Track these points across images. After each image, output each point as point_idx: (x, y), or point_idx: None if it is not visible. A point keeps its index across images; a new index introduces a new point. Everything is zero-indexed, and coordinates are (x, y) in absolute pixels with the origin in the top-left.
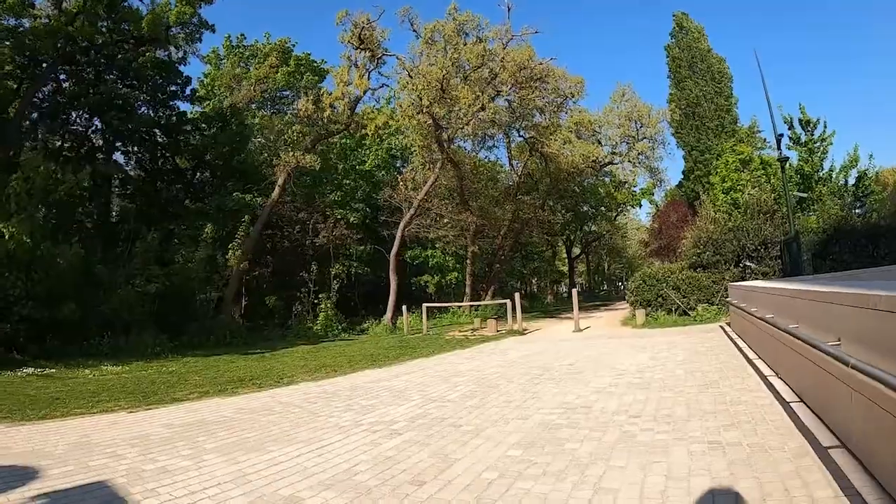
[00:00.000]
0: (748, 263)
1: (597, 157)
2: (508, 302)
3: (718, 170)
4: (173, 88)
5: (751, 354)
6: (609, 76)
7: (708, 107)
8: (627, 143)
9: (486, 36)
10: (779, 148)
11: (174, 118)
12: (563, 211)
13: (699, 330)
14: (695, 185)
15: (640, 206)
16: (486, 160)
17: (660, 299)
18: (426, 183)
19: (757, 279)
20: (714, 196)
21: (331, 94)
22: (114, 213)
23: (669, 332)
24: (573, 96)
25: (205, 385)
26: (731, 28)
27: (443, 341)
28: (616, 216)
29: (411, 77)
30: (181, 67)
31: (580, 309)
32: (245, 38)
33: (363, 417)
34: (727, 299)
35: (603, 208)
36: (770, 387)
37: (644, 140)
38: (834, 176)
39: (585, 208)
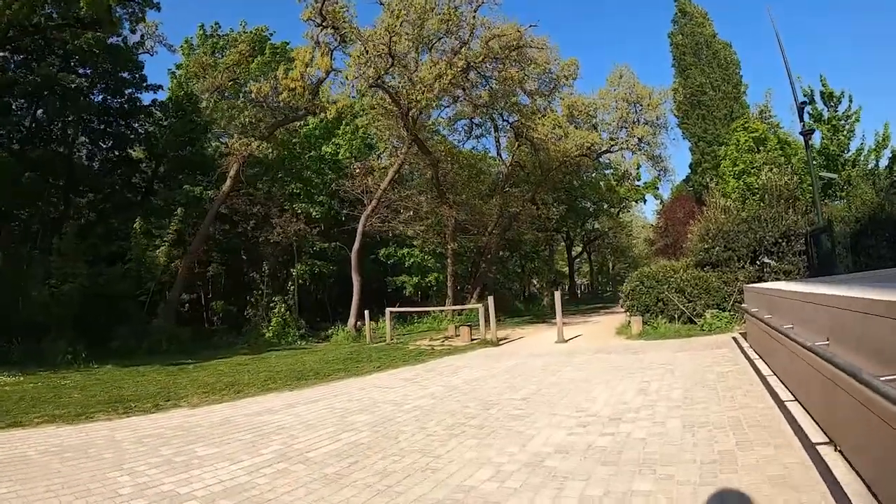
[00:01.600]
0: (767, 260)
1: (592, 144)
2: (480, 307)
3: (728, 152)
4: (125, 76)
5: (783, 393)
6: (607, 65)
7: (715, 95)
8: (626, 128)
9: (457, 5)
10: (801, 118)
11: (125, 106)
12: (557, 205)
13: (706, 344)
14: (702, 179)
15: (645, 201)
16: (474, 151)
17: (660, 304)
18: (394, 170)
19: (777, 279)
20: (724, 182)
21: (288, 75)
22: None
23: (669, 346)
24: (566, 79)
25: (66, 406)
26: (736, 11)
27: (401, 353)
28: (618, 212)
29: (366, 49)
30: (151, 58)
31: (574, 314)
32: (220, 27)
33: (149, 488)
34: (742, 305)
35: (605, 204)
36: (832, 481)
37: (644, 124)
38: (863, 157)
39: (586, 204)
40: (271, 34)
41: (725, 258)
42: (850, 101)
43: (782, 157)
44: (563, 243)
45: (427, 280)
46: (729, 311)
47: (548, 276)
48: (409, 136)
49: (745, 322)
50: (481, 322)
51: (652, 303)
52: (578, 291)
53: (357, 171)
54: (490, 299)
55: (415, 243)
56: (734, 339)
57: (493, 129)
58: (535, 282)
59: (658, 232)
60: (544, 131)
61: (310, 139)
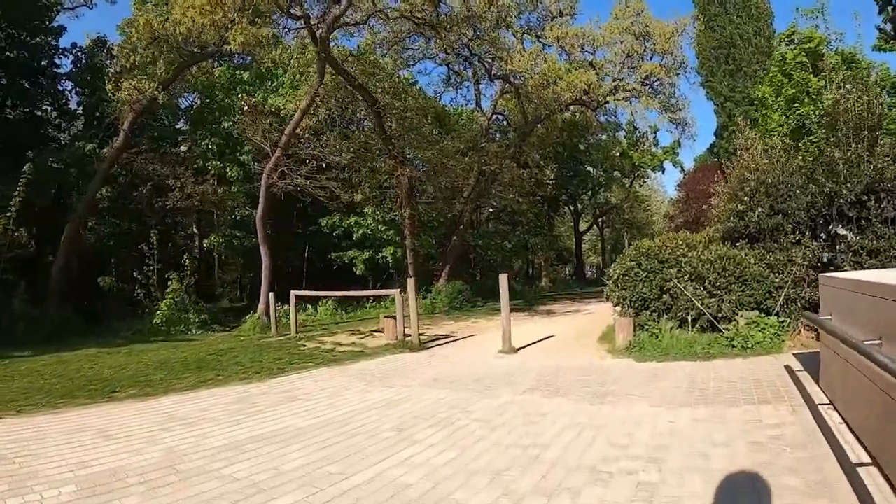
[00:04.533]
0: (842, 231)
1: (589, 87)
2: (397, 293)
3: (771, 74)
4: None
5: None
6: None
7: (745, 48)
8: (632, 66)
9: None
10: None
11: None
12: (555, 167)
13: (739, 384)
14: (730, 144)
15: (663, 170)
16: (455, 105)
17: (666, 298)
18: (303, 110)
19: (858, 263)
20: (764, 118)
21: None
22: None
23: (669, 383)
24: (562, 15)
25: None
26: None
27: (277, 356)
28: (632, 182)
29: None
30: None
31: (569, 300)
32: None
33: None
34: (807, 314)
35: (617, 172)
36: None
37: (654, 59)
38: None
39: (594, 171)
40: None
41: (772, 227)
42: None
43: (849, 83)
44: (570, 216)
45: (382, 255)
46: (777, 314)
47: (547, 254)
48: (319, 57)
49: (822, 349)
50: (398, 314)
51: (653, 296)
52: (588, 271)
53: (246, 109)
54: (410, 283)
55: (365, 210)
56: (790, 372)
57: (472, 76)
58: (539, 261)
59: (678, 206)
60: (523, 65)
61: (234, 84)
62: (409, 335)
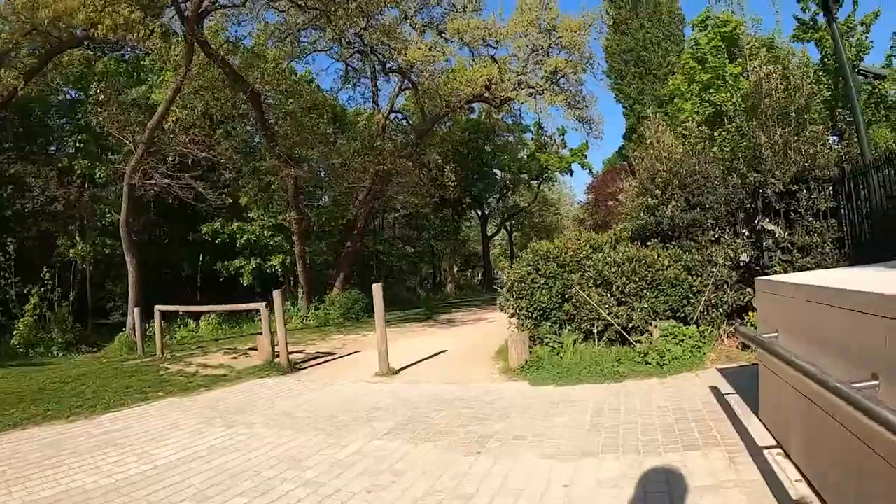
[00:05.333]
0: (768, 226)
1: (490, 81)
2: (262, 307)
3: (683, 60)
4: None
5: None
6: None
7: (655, 52)
8: (537, 61)
9: None
10: None
11: None
12: (453, 165)
13: (662, 410)
14: (638, 146)
15: (571, 172)
16: (354, 105)
17: (567, 307)
18: (168, 100)
19: (789, 262)
20: (677, 111)
21: None
22: None
23: (571, 416)
24: (465, 8)
25: None
26: None
27: (137, 381)
28: (540, 184)
29: None
30: None
31: (474, 307)
32: None
33: None
34: (744, 333)
35: (524, 175)
36: None
37: (561, 54)
38: None
39: (500, 174)
40: None
41: (688, 223)
42: (855, 3)
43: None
44: (477, 220)
45: (269, 264)
46: (697, 322)
47: (452, 260)
48: (186, 40)
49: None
50: (265, 331)
51: (553, 305)
52: (497, 277)
53: (101, 98)
54: (276, 295)
55: (250, 214)
56: (719, 396)
57: (369, 71)
58: (453, 268)
59: (587, 209)
60: (419, 56)
61: (108, 74)
62: (275, 358)
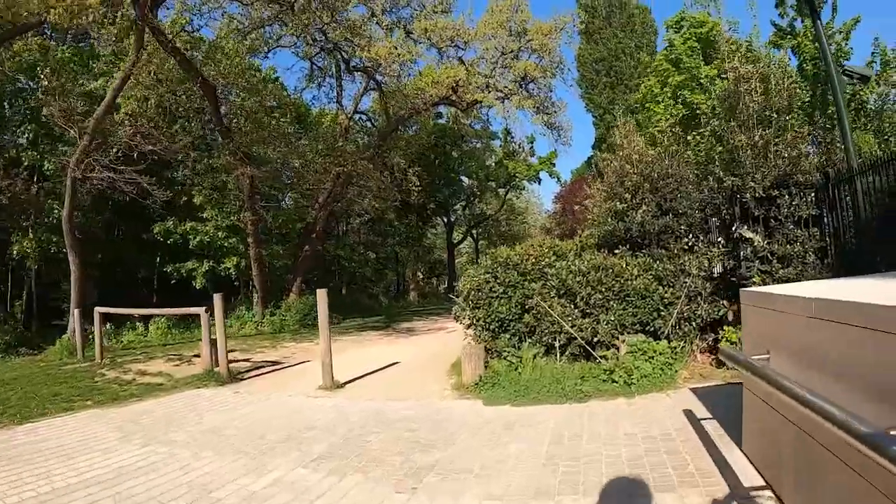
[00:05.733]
0: (747, 233)
1: (457, 83)
2: (202, 311)
3: (657, 63)
4: None
5: None
6: None
7: (627, 62)
8: (506, 65)
9: None
10: None
11: None
12: (416, 169)
13: (629, 438)
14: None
15: (539, 181)
16: (320, 105)
17: (528, 318)
18: (116, 87)
19: (769, 273)
20: (649, 114)
21: None
22: None
23: (527, 444)
24: (434, 10)
25: None
26: None
27: (69, 388)
28: (507, 192)
29: None
30: None
31: (437, 316)
32: None
33: None
34: (730, 355)
35: (492, 183)
36: None
37: (531, 58)
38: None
39: (468, 181)
40: None
41: (659, 230)
42: (835, 9)
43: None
44: (443, 227)
45: (224, 266)
46: (668, 337)
47: (416, 266)
48: (136, 25)
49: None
50: (204, 338)
51: (512, 316)
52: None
53: (47, 86)
54: (217, 299)
55: (203, 213)
56: (694, 422)
57: (334, 70)
58: (417, 275)
59: (554, 219)
60: (383, 53)
61: (63, 62)
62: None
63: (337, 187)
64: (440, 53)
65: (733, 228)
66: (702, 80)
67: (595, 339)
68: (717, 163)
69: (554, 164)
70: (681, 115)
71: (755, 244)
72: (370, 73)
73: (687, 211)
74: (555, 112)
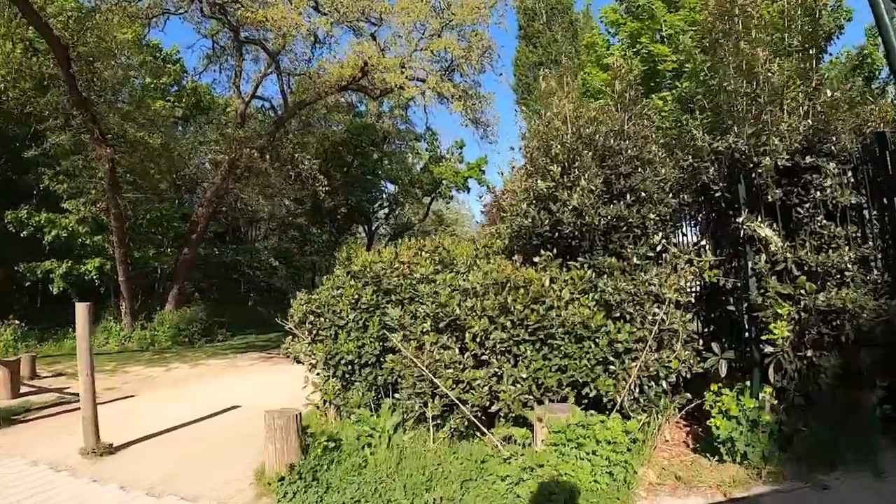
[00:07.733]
0: (762, 231)
1: (366, 63)
2: None
3: (602, 14)
4: None
5: None
6: None
7: (568, 65)
8: (427, 48)
9: None
10: None
11: None
12: (315, 162)
13: None
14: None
15: (468, 189)
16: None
17: (392, 362)
18: None
19: (793, 296)
20: (589, 80)
21: None
22: None
23: None
24: None
25: None
26: None
27: None
28: (433, 199)
29: None
30: None
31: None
32: None
33: None
34: None
35: (417, 189)
36: None
37: (452, 33)
38: None
39: (390, 186)
40: None
41: (609, 222)
42: None
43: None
44: (363, 235)
45: (85, 268)
46: (622, 408)
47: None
48: None
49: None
50: None
51: (366, 358)
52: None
53: None
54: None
55: (66, 205)
56: None
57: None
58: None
59: (482, 232)
60: (276, 16)
61: None
62: None
63: (227, 182)
64: (353, 31)
65: (741, 222)
66: (664, 30)
67: (493, 407)
68: (698, 119)
69: (483, 172)
70: (638, 71)
71: (771, 248)
72: (263, 45)
73: (655, 193)
74: (480, 104)
